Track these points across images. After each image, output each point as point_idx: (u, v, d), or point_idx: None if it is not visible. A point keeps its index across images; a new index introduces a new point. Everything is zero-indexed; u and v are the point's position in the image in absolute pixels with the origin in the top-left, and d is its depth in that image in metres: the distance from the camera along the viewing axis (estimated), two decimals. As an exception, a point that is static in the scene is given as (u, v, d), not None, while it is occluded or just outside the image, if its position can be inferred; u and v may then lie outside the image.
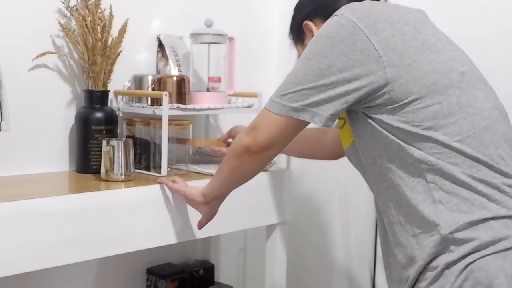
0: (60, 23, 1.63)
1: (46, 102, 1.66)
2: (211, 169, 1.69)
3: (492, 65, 1.62)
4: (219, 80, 1.86)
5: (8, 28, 1.58)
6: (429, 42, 1.15)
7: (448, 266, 1.08)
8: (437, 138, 1.10)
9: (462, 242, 1.08)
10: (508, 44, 1.72)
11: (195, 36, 1.83)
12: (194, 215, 1.49)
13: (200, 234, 1.56)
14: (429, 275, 1.10)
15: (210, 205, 1.42)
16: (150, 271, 1.91)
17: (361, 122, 1.18)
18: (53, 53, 1.64)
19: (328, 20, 1.18)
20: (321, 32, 1.17)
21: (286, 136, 1.20)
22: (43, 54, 1.61)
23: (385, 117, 1.13)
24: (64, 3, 1.63)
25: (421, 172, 1.11)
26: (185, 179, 1.53)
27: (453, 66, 1.14)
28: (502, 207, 1.09)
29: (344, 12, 1.16)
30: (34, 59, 1.61)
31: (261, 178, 1.74)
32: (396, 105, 1.11)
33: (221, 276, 2.13)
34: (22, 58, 1.60)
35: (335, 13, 1.18)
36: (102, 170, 1.54)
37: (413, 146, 1.11)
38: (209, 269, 2.01)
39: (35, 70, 1.63)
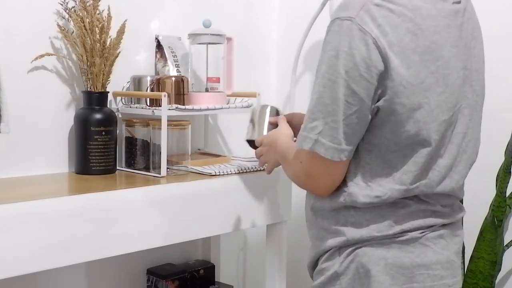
0: (58, 25, 1.64)
1: (45, 103, 1.67)
2: (211, 169, 1.70)
3: (492, 65, 1.63)
4: (217, 80, 1.86)
5: (7, 30, 1.58)
6: (424, 85, 1.08)
7: (340, 249, 1.16)
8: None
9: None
10: (508, 44, 1.72)
11: (193, 36, 1.83)
12: (194, 215, 1.49)
13: (200, 234, 1.56)
14: (326, 254, 1.19)
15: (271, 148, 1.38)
16: (150, 272, 1.92)
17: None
18: (51, 54, 1.65)
19: (338, 27, 1.07)
20: (333, 44, 1.07)
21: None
22: (42, 56, 1.61)
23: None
24: (62, 4, 1.63)
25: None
26: (184, 179, 1.53)
27: (436, 116, 1.10)
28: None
29: (358, 20, 1.05)
30: (33, 61, 1.61)
31: (261, 178, 1.74)
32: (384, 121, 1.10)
33: (221, 276, 2.13)
34: (21, 60, 1.60)
35: (348, 16, 1.06)
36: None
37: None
38: (209, 269, 2.01)
39: (34, 71, 1.64)
